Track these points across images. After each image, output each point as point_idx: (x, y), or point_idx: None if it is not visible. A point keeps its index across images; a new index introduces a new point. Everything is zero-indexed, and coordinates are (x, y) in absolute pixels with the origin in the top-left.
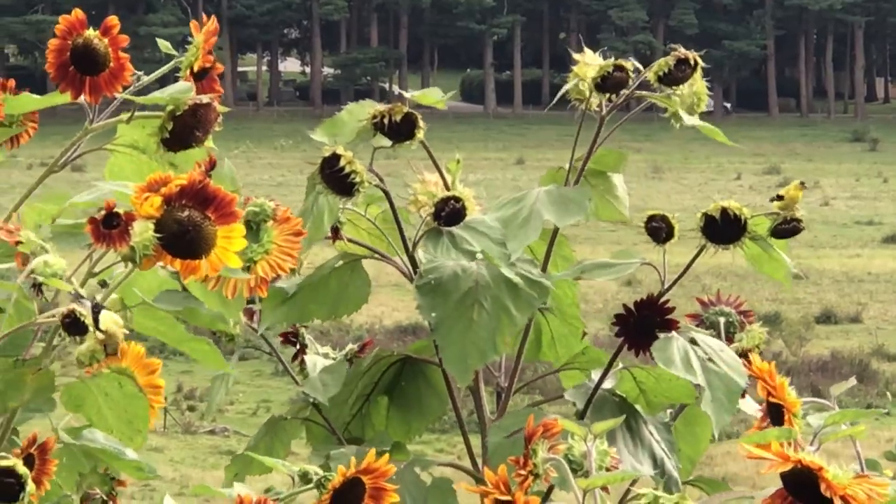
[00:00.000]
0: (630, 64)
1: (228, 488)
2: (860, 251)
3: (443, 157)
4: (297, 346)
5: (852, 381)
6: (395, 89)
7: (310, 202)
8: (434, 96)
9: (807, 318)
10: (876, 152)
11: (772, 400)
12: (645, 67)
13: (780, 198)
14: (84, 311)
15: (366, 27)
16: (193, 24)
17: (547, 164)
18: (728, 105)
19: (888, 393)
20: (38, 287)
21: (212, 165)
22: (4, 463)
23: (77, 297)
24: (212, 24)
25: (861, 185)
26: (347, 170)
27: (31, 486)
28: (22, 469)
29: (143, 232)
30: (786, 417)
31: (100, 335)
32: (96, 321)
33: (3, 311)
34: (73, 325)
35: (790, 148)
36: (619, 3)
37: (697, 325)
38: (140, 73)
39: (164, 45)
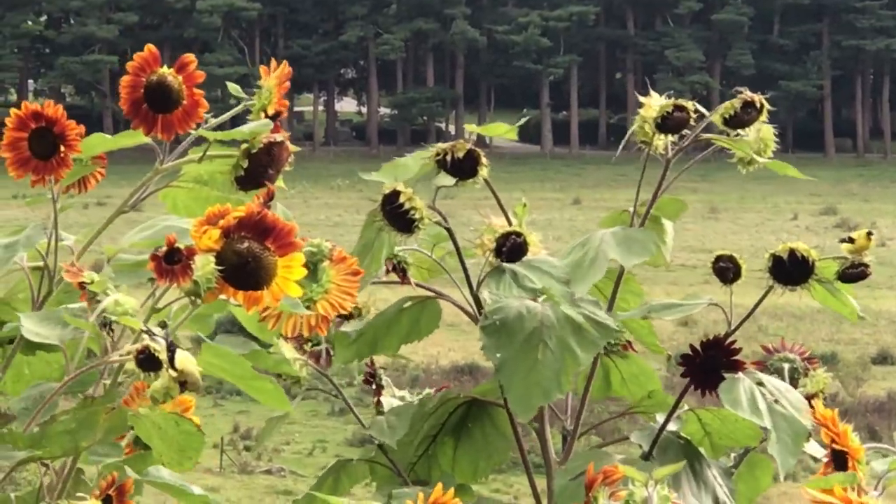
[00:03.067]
0: (691, 104)
1: None
2: None
3: (501, 197)
4: (375, 388)
5: None
6: (452, 129)
7: (370, 238)
8: (500, 129)
9: (863, 358)
10: None
11: (836, 446)
12: (703, 107)
13: (850, 240)
14: (158, 348)
15: (422, 67)
16: (263, 69)
17: (604, 205)
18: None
19: None
20: (107, 326)
21: (270, 197)
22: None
23: (150, 334)
24: (284, 68)
25: None
26: (407, 206)
27: None
28: None
29: (204, 265)
30: (850, 464)
31: (174, 373)
32: (172, 360)
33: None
34: (148, 362)
35: (847, 188)
36: (676, 43)
37: (762, 372)
38: (209, 115)
39: (234, 88)
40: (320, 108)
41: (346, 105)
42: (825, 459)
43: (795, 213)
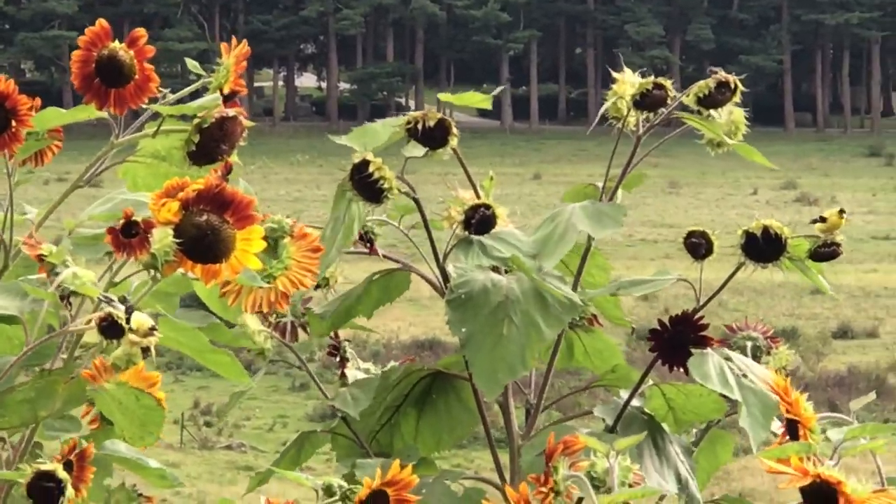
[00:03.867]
0: (669, 83)
1: (246, 502)
2: (877, 266)
3: (459, 172)
4: (339, 360)
5: (872, 396)
6: (412, 104)
7: (341, 210)
8: (473, 98)
9: (824, 333)
10: (892, 167)
11: (789, 416)
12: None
13: (822, 220)
14: (120, 314)
15: (382, 42)
16: (224, 45)
17: (564, 180)
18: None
19: None
20: (66, 298)
21: (228, 171)
22: (46, 467)
23: (109, 301)
24: (243, 47)
25: (878, 201)
26: (377, 176)
27: (70, 491)
28: (62, 474)
29: (162, 238)
30: (801, 433)
31: (135, 338)
32: (129, 322)
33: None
34: (111, 328)
35: (807, 163)
36: (636, 17)
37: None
38: (166, 90)
39: (193, 65)
40: (280, 83)
41: (306, 80)
42: (781, 430)
43: (755, 187)
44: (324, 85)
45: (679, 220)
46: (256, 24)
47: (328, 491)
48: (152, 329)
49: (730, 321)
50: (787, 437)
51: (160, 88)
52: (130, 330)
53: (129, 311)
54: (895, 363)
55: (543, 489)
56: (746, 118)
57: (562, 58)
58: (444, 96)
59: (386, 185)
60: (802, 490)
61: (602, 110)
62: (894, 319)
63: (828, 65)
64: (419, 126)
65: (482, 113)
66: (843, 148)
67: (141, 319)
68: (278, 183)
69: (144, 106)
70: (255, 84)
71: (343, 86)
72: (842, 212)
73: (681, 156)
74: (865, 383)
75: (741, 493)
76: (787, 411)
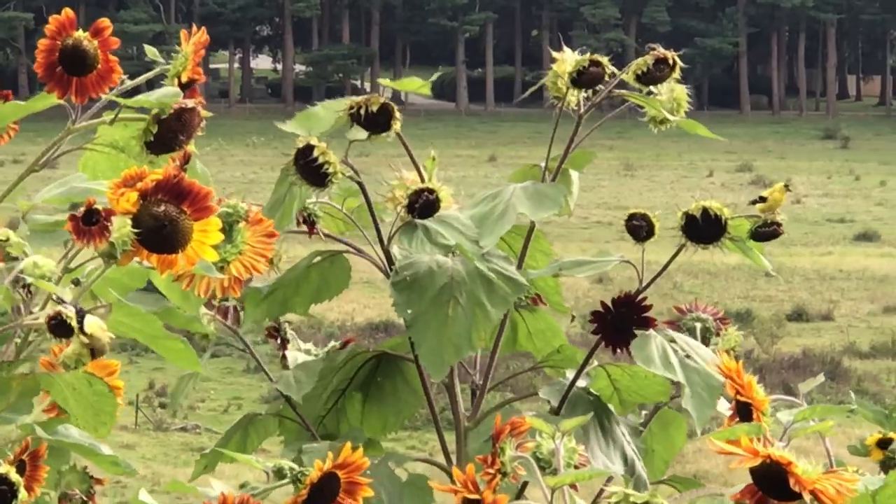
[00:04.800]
0: (606, 60)
1: (201, 485)
2: (832, 249)
3: (415, 154)
4: (280, 342)
5: (820, 378)
6: (367, 86)
7: (282, 192)
8: (413, 84)
9: (778, 315)
10: (847, 150)
11: (740, 398)
12: (618, 65)
13: (762, 199)
14: (69, 314)
15: (337, 24)
16: (183, 33)
17: (519, 162)
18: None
19: (851, 392)
20: (26, 287)
21: (186, 160)
22: None
23: (60, 301)
24: (202, 35)
25: (833, 183)
26: (321, 160)
27: (23, 494)
28: (15, 477)
29: (121, 227)
30: (754, 415)
31: (84, 339)
32: (81, 326)
33: None
34: (59, 328)
35: (762, 145)
36: (592, 0)
37: (675, 332)
38: (125, 76)
39: (152, 52)
40: (236, 65)
41: (262, 62)
42: (729, 412)
43: (711, 170)
44: (279, 67)
45: (634, 202)
46: (212, 5)
47: (279, 473)
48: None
49: (684, 304)
50: (737, 420)
51: (120, 75)
52: (81, 331)
53: (80, 314)
54: (850, 346)
55: (490, 471)
56: (700, 100)
57: (518, 40)
58: (384, 81)
59: (330, 170)
60: (752, 471)
61: (536, 87)
62: (849, 302)
63: (783, 47)
64: (362, 111)
65: (438, 95)
66: (798, 130)
67: (94, 324)
68: (234, 164)
69: (105, 95)
70: (211, 66)
71: (298, 68)
72: (787, 186)
73: (636, 138)
74: (820, 366)
75: (695, 475)
76: (739, 394)
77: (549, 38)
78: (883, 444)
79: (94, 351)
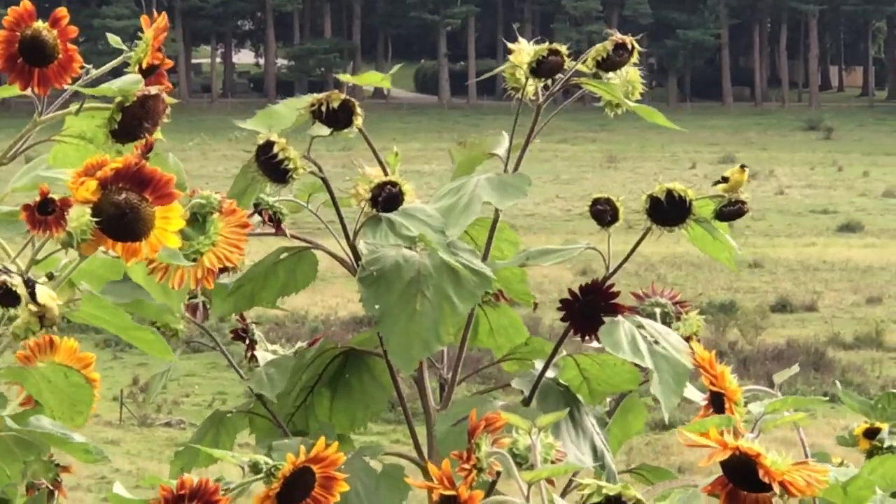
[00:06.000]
0: (564, 48)
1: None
2: (815, 240)
3: (398, 147)
4: (248, 342)
5: (796, 369)
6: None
7: (242, 187)
8: (373, 78)
9: (762, 306)
10: (830, 141)
11: (713, 388)
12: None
13: (724, 180)
14: (15, 283)
15: (319, 18)
16: (144, 19)
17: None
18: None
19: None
20: None
21: (149, 149)
22: None
23: (6, 271)
24: (161, 20)
25: (816, 174)
26: (281, 157)
27: None
28: None
29: (79, 216)
30: (727, 406)
31: (34, 307)
32: (33, 295)
33: None
34: (6, 297)
35: (745, 137)
36: None
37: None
38: (90, 66)
39: (114, 40)
40: (218, 60)
41: (244, 57)
42: (704, 403)
43: (694, 161)
44: (261, 61)
45: (617, 193)
46: (193, 0)
47: (254, 468)
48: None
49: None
50: (711, 411)
51: (83, 66)
52: (32, 300)
53: (30, 284)
54: (833, 336)
55: (466, 466)
56: (682, 92)
57: (500, 33)
58: (344, 77)
59: (291, 166)
60: (723, 463)
61: (490, 74)
62: (833, 293)
63: (765, 39)
64: (323, 108)
65: (420, 88)
66: (780, 122)
67: (44, 293)
68: (216, 159)
69: (67, 86)
70: (193, 61)
71: (281, 62)
72: (743, 167)
73: (620, 130)
74: (804, 357)
75: (680, 467)
76: (712, 384)
77: (531, 30)
78: (870, 433)
79: (44, 320)
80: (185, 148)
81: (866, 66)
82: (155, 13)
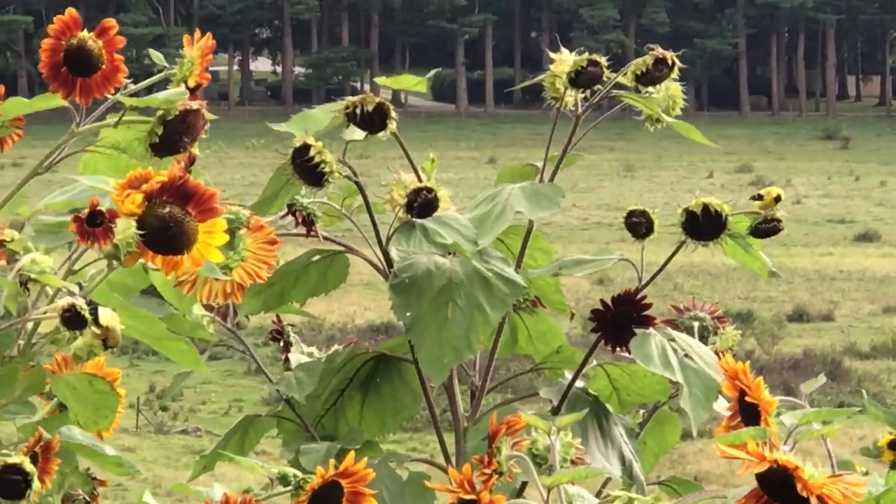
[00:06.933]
0: (604, 60)
1: (201, 486)
2: (832, 249)
3: (415, 156)
4: (283, 345)
5: (822, 379)
6: (367, 88)
7: (275, 188)
8: (409, 82)
9: (779, 316)
10: (847, 150)
11: (747, 399)
12: (617, 66)
13: (760, 197)
14: (83, 305)
15: (337, 26)
16: (186, 38)
17: (519, 164)
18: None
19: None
20: (24, 284)
21: (191, 162)
22: (12, 460)
23: (72, 293)
24: (207, 40)
25: (833, 184)
26: (317, 159)
27: (36, 485)
28: (29, 467)
29: (125, 229)
30: (762, 417)
31: (98, 330)
32: (95, 317)
33: None
34: (73, 319)
35: (762, 146)
36: (591, 1)
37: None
38: (129, 80)
39: (157, 57)
40: (235, 67)
41: (261, 65)
42: (727, 413)
43: (711, 171)
44: (279, 69)
45: (634, 203)
46: (211, 8)
47: (283, 480)
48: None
49: (682, 303)
50: (738, 421)
51: (127, 76)
52: (95, 322)
53: (92, 306)
54: (850, 346)
55: (486, 470)
56: (699, 101)
57: (517, 42)
58: (380, 80)
59: (326, 169)
60: (758, 476)
61: (530, 83)
62: (849, 303)
63: (783, 48)
64: (357, 111)
65: (438, 97)
66: (798, 131)
67: (108, 315)
68: (233, 167)
69: (108, 96)
70: (210, 68)
71: (298, 70)
72: (777, 198)
73: (637, 139)
74: (821, 366)
75: (696, 476)
76: (745, 395)
77: (548, 39)
78: (895, 445)
79: (107, 342)
80: (202, 156)
81: (884, 75)
82: (198, 34)
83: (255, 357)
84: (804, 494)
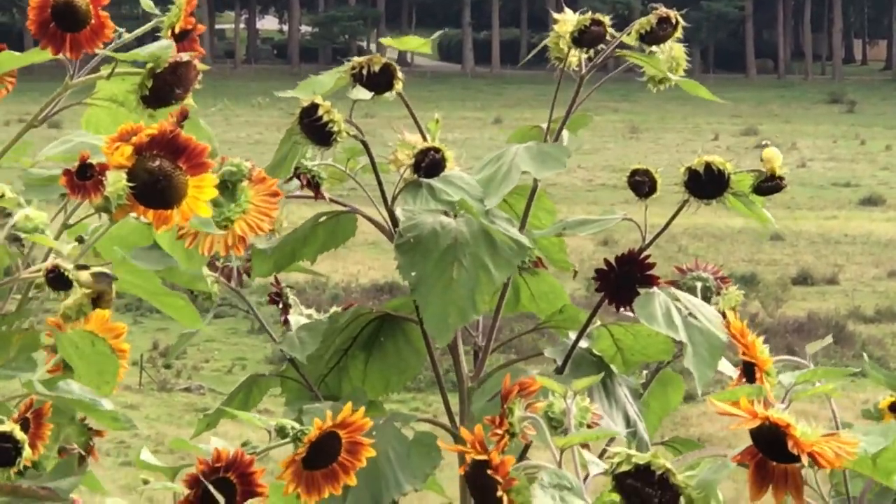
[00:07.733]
0: (607, 19)
1: (204, 444)
2: (837, 213)
3: (421, 116)
4: (282, 307)
5: (828, 340)
6: (373, 48)
7: (285, 151)
8: (414, 43)
9: (783, 279)
10: (853, 114)
11: (745, 358)
12: (622, 27)
13: (766, 145)
14: (67, 267)
15: None
16: None
17: (525, 124)
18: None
19: (864, 354)
20: (18, 241)
21: (184, 116)
22: (2, 428)
23: (58, 253)
24: None
25: (838, 147)
26: (325, 119)
27: (27, 452)
28: (20, 435)
29: (116, 182)
30: (757, 376)
31: (90, 289)
32: (93, 277)
33: None
34: (58, 281)
35: (768, 109)
36: None
37: None
38: (122, 30)
39: (147, 4)
40: (241, 26)
41: (268, 23)
42: (737, 373)
43: (716, 133)
44: (285, 28)
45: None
46: None
47: (281, 432)
48: (106, 279)
49: (685, 264)
50: (744, 381)
51: (116, 29)
52: (78, 282)
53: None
54: (854, 310)
55: (499, 431)
56: (706, 64)
57: (524, 2)
58: (386, 40)
59: (335, 129)
60: (752, 433)
61: (539, 47)
62: (854, 266)
63: (789, 12)
64: (364, 71)
65: (444, 57)
66: (804, 95)
67: (86, 276)
68: (239, 125)
69: (98, 51)
70: (217, 26)
71: (305, 29)
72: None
73: (642, 101)
74: (825, 329)
75: (699, 439)
76: (744, 353)
77: (555, 1)
78: (895, 407)
79: (97, 300)
80: (207, 113)
81: (890, 39)
82: None
83: (259, 316)
84: (795, 451)
